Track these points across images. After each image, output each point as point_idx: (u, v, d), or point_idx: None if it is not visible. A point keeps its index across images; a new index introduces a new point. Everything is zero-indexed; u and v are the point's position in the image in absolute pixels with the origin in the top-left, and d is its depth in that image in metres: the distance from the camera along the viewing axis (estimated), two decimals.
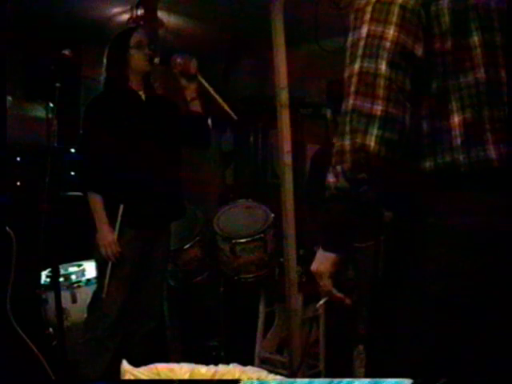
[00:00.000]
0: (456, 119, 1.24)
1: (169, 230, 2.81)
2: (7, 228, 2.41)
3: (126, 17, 4.22)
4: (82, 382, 2.55)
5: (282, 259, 2.79)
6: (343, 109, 1.26)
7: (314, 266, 1.39)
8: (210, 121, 2.88)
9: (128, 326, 2.67)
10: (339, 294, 1.40)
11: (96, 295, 2.65)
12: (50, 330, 2.89)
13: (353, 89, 1.25)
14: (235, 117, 2.67)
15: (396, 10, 1.24)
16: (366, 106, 1.22)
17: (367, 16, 1.26)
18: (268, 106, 3.27)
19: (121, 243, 2.55)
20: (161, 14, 4.20)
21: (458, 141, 1.23)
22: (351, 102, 1.24)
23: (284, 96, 2.59)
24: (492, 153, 1.22)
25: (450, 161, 1.23)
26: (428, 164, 1.25)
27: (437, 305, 1.23)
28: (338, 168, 1.25)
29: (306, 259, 2.92)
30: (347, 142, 1.23)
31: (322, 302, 1.49)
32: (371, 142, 1.20)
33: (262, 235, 2.95)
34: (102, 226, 2.53)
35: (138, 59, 2.67)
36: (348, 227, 1.33)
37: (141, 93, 2.72)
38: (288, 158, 2.61)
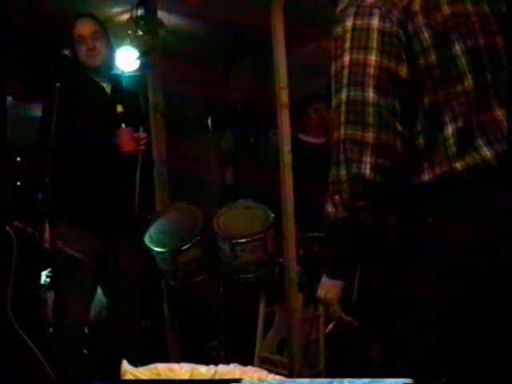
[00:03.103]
0: (450, 129, 1.25)
1: (131, 237, 2.71)
2: (7, 228, 2.41)
3: (125, 17, 4.22)
4: (82, 381, 2.55)
5: (281, 259, 2.79)
6: (335, 139, 1.27)
7: (320, 294, 1.39)
8: (209, 121, 2.87)
9: (115, 329, 2.70)
10: (349, 318, 1.40)
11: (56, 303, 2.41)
12: (50, 329, 2.89)
13: (342, 118, 1.26)
14: None
15: (375, 35, 1.24)
16: (358, 135, 1.23)
17: (347, 44, 1.26)
18: (268, 106, 3.27)
19: (74, 243, 2.50)
20: (161, 14, 4.20)
21: (453, 149, 1.24)
22: (342, 131, 1.25)
23: (284, 96, 2.59)
24: (487, 153, 1.22)
25: (447, 170, 1.24)
26: (427, 176, 1.26)
27: (437, 304, 1.23)
28: (337, 198, 1.26)
29: (305, 259, 2.92)
30: (343, 172, 1.24)
31: (330, 326, 1.52)
32: (366, 169, 1.22)
33: (261, 235, 2.94)
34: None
35: (80, 53, 2.56)
36: (351, 254, 1.34)
37: (105, 85, 2.63)
38: (288, 158, 2.61)
